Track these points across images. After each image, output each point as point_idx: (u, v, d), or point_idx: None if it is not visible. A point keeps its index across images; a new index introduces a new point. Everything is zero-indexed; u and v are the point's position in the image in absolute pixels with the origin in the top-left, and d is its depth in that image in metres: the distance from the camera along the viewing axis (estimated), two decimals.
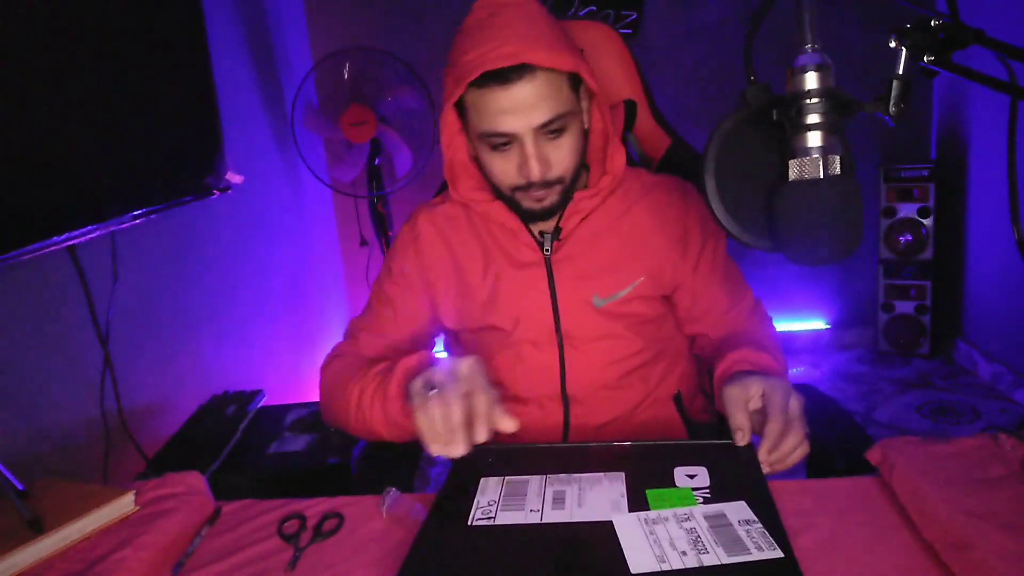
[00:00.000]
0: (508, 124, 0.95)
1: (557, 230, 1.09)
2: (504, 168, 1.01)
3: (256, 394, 1.76)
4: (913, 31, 0.73)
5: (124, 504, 0.91)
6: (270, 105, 2.58)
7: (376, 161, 2.69)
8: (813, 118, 0.74)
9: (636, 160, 1.34)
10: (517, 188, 1.02)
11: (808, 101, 0.73)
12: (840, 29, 2.85)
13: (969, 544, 0.68)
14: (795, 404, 0.91)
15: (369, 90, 2.59)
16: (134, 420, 1.55)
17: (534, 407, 1.13)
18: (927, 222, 2.95)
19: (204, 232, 2.00)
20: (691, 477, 0.84)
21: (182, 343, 1.85)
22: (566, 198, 1.06)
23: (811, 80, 0.73)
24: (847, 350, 3.27)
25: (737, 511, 0.76)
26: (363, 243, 2.99)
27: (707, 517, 0.75)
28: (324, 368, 1.16)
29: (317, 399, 1.16)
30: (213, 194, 1.64)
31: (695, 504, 0.78)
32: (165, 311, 1.78)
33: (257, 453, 1.51)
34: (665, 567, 0.67)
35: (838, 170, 0.74)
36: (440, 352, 1.23)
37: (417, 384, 0.87)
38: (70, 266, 1.39)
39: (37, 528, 0.84)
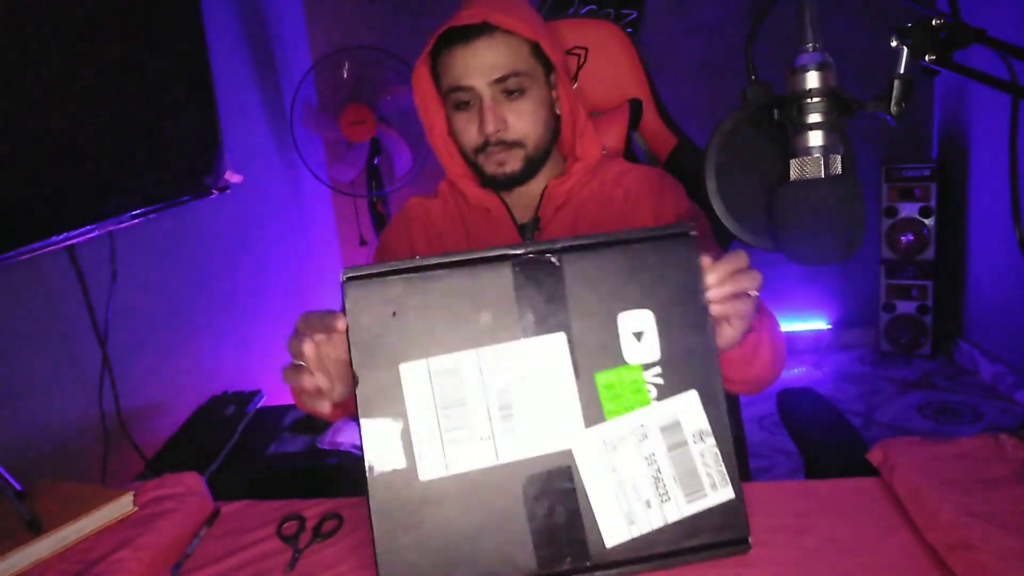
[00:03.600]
0: (467, 78, 1.01)
1: (536, 219, 1.11)
2: (466, 127, 1.05)
3: (255, 395, 1.75)
4: (914, 30, 0.73)
5: (123, 505, 0.91)
6: (269, 104, 2.58)
7: (375, 160, 2.69)
8: (814, 117, 0.74)
9: (642, 158, 1.33)
10: (479, 150, 1.06)
11: (809, 100, 0.73)
12: (841, 28, 2.85)
13: (970, 544, 0.68)
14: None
15: (368, 89, 2.59)
16: (133, 421, 1.55)
17: None
18: (928, 222, 2.94)
19: (203, 232, 2.00)
20: (638, 337, 0.75)
21: (181, 343, 1.85)
22: (530, 169, 1.08)
23: (812, 79, 0.73)
24: (848, 350, 3.26)
25: (690, 414, 0.75)
26: (362, 243, 2.99)
27: (663, 430, 0.75)
28: None
29: None
30: (212, 194, 1.64)
31: (648, 402, 0.75)
32: (164, 311, 1.78)
33: (256, 454, 1.51)
34: (635, 531, 0.73)
35: (839, 170, 0.74)
36: None
37: None
38: (68, 266, 1.39)
39: (36, 529, 0.84)
